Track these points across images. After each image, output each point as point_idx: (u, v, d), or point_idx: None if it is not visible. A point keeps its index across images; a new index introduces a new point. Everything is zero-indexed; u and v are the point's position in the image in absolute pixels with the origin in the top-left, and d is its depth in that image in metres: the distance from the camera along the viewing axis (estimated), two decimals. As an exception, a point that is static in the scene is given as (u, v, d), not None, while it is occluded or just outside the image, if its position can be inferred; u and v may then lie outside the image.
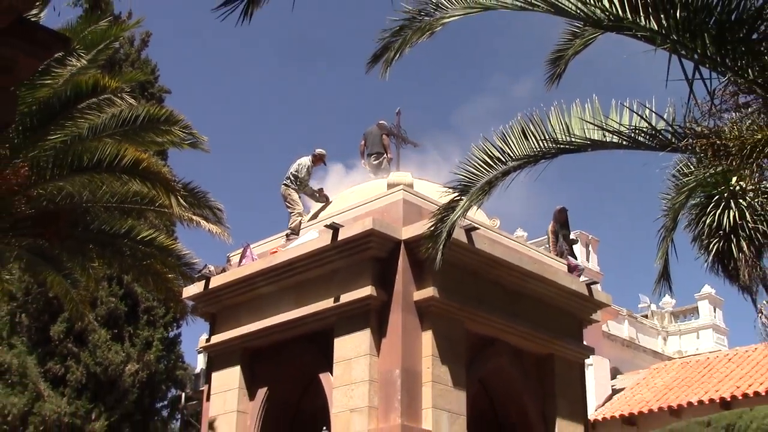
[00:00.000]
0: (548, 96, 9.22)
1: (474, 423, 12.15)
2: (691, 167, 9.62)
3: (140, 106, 13.52)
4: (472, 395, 12.19)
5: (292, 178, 14.05)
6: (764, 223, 9.47)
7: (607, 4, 6.97)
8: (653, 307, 30.05)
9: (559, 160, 8.87)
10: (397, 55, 8.61)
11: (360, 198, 13.35)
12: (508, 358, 12.95)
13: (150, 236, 14.20)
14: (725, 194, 9.58)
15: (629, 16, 6.91)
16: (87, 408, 23.68)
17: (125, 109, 12.86)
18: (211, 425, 13.30)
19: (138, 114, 12.86)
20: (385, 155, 15.03)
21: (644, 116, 7.98)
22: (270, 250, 13.67)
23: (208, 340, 14.04)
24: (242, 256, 14.08)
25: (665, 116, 7.83)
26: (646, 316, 29.74)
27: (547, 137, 8.62)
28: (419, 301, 11.73)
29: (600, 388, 24.42)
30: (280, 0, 6.64)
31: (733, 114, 7.16)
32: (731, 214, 9.53)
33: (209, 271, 14.06)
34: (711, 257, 9.99)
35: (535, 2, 7.33)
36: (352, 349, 11.74)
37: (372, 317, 11.72)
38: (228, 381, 13.33)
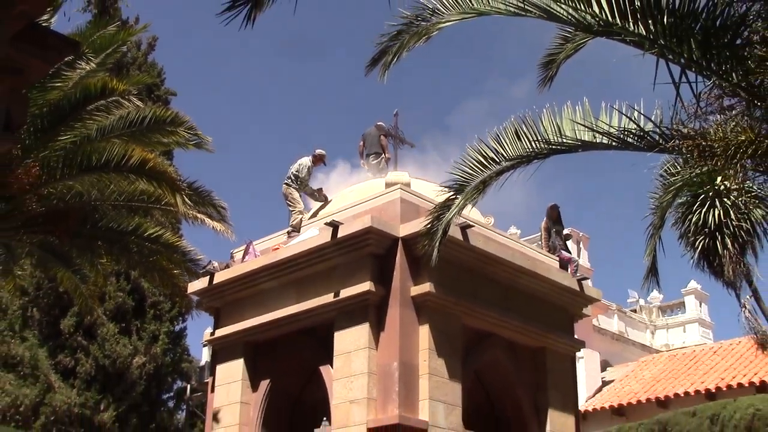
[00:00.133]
0: (545, 97, 9.22)
1: (470, 415, 12.16)
2: (678, 167, 9.64)
3: (147, 108, 13.50)
4: (468, 388, 12.20)
5: (293, 178, 14.05)
6: (748, 222, 9.50)
7: (597, 10, 6.97)
8: (642, 301, 30.09)
9: (552, 160, 8.89)
10: (395, 59, 8.61)
11: (359, 196, 13.36)
12: (503, 351, 12.96)
13: (156, 233, 14.19)
14: (710, 193, 9.62)
15: (618, 21, 6.91)
16: (96, 399, 23.70)
17: (132, 110, 12.86)
18: (215, 416, 13.31)
19: (145, 116, 12.85)
20: (383, 155, 15.04)
21: (633, 118, 7.99)
22: (272, 247, 13.68)
23: (212, 333, 14.05)
24: (245, 253, 14.09)
25: (653, 118, 7.84)
26: (634, 311, 29.77)
27: (539, 138, 8.63)
28: (416, 296, 11.74)
29: (590, 380, 24.45)
30: (281, 2, 6.65)
31: (718, 116, 7.17)
32: (716, 212, 9.56)
33: (213, 267, 14.07)
34: (697, 254, 10.02)
35: (528, 8, 7.33)
36: (351, 342, 11.75)
37: (371, 312, 11.73)
38: (232, 373, 13.34)
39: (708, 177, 9.46)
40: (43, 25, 7.43)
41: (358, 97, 64.22)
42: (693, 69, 6.82)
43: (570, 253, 15.67)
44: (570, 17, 7.26)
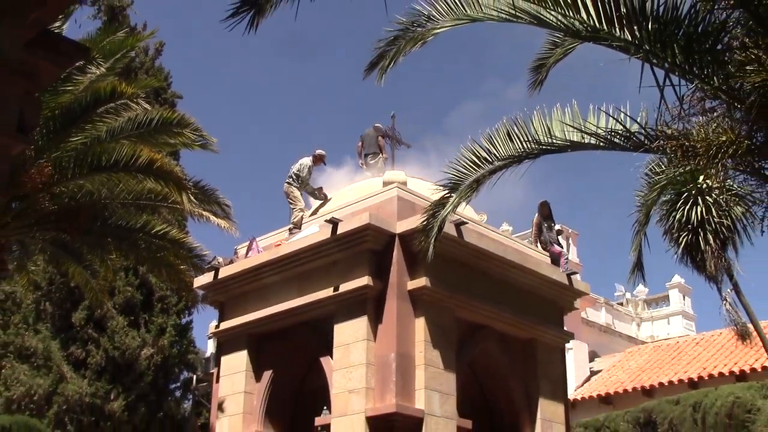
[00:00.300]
0: (538, 100, 9.24)
1: (464, 404, 12.18)
2: (662, 167, 9.66)
3: (154, 111, 13.50)
4: (462, 378, 12.21)
5: (294, 177, 14.04)
6: (728, 218, 9.52)
7: (585, 17, 6.98)
8: (628, 295, 30.14)
9: (545, 160, 8.90)
10: (392, 63, 8.61)
11: (357, 195, 13.35)
12: (495, 343, 12.97)
13: (163, 230, 14.20)
14: (693, 191, 9.64)
15: (605, 27, 6.92)
16: (106, 389, 23.69)
17: (140, 113, 12.85)
18: (220, 405, 13.32)
19: (152, 118, 12.85)
20: (380, 155, 15.03)
21: (619, 119, 8.01)
22: (274, 243, 13.68)
23: (217, 326, 14.05)
24: (249, 249, 14.09)
25: (639, 120, 7.86)
26: (621, 304, 29.81)
27: (530, 139, 8.64)
28: (412, 290, 11.75)
29: (579, 370, 24.50)
30: (282, 4, 6.64)
31: (700, 118, 7.19)
32: (699, 209, 9.58)
33: (218, 262, 14.06)
34: (680, 249, 10.04)
35: (519, 14, 7.34)
36: (350, 334, 11.76)
37: (369, 305, 11.73)
38: (236, 364, 13.34)
39: (691, 176, 9.48)
40: (56, 31, 7.43)
41: (358, 97, 64.19)
42: (676, 73, 6.84)
43: (561, 247, 15.61)
44: (559, 23, 7.28)
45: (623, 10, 6.78)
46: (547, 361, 13.48)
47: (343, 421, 11.36)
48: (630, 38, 6.82)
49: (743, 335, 11.23)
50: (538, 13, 7.24)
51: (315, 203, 14.56)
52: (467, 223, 12.47)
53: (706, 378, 20.26)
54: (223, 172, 54.11)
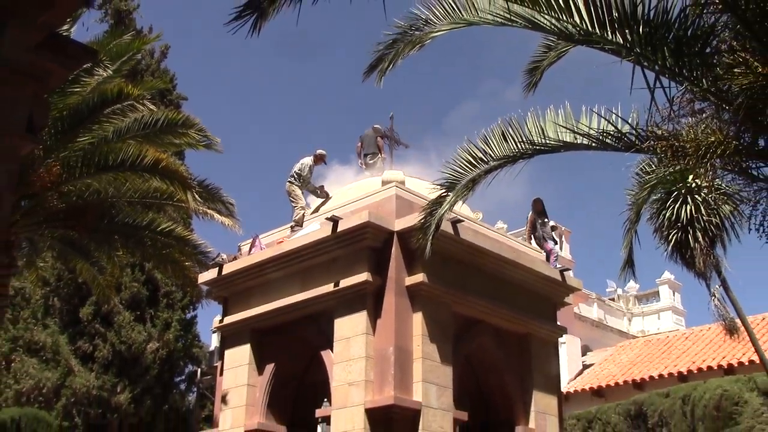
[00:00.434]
0: (536, 101, 9.24)
1: (460, 396, 12.19)
2: (653, 166, 9.66)
3: (160, 112, 13.48)
4: (459, 371, 12.22)
5: (296, 176, 14.04)
6: (717, 217, 9.53)
7: (577, 20, 6.97)
8: (619, 291, 30.16)
9: (538, 159, 8.90)
10: (391, 66, 8.61)
11: (357, 194, 13.36)
12: (490, 337, 12.98)
13: (169, 228, 14.18)
14: (683, 191, 9.65)
15: (597, 31, 6.92)
16: (113, 382, 23.71)
17: (146, 114, 12.84)
18: (224, 397, 13.32)
19: (158, 118, 12.84)
20: (379, 155, 15.03)
21: (611, 120, 8.00)
22: (276, 240, 13.68)
23: (221, 321, 14.05)
24: (252, 246, 14.09)
25: (630, 120, 7.85)
26: (612, 300, 29.84)
27: (524, 139, 8.64)
28: (410, 285, 11.75)
29: (572, 363, 24.51)
30: (285, 9, 6.64)
31: (690, 119, 7.18)
32: (688, 208, 9.59)
33: (222, 259, 14.06)
34: (670, 247, 10.05)
35: (514, 18, 7.34)
36: (350, 328, 11.76)
37: (368, 300, 11.74)
38: (239, 358, 13.35)
39: (680, 175, 9.49)
40: (64, 34, 7.42)
41: (358, 98, 64.19)
42: (666, 75, 6.84)
43: (556, 242, 15.52)
44: (553, 27, 7.27)
45: (615, 14, 6.78)
46: (541, 355, 13.50)
47: (343, 413, 11.37)
48: (621, 41, 6.82)
49: (731, 330, 11.24)
50: (532, 17, 7.24)
51: (316, 201, 14.56)
52: (463, 221, 12.48)
53: (695, 371, 20.28)
54: (226, 171, 54.11)
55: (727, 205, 9.60)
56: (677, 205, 9.69)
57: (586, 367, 24.90)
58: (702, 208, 9.57)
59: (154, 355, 24.25)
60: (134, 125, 12.63)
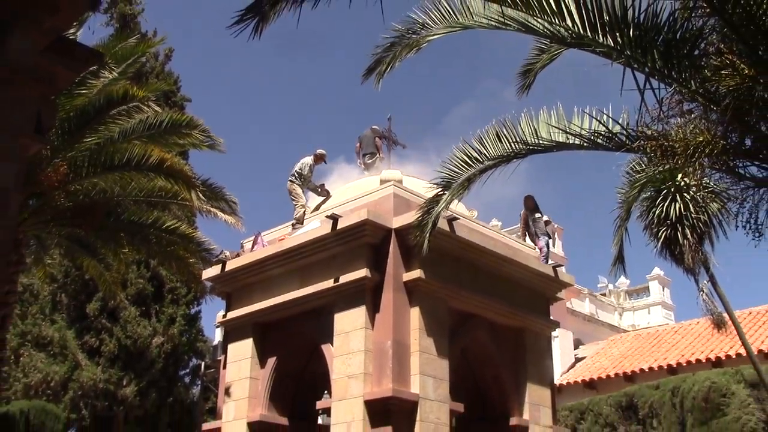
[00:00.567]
0: (531, 101, 9.25)
1: (457, 389, 12.20)
2: (643, 165, 9.67)
3: (164, 113, 13.49)
4: (455, 364, 12.23)
5: (297, 175, 14.02)
6: (705, 214, 9.54)
7: (569, 24, 6.98)
8: (610, 286, 30.19)
9: (535, 158, 8.91)
10: (389, 68, 8.61)
11: (356, 192, 13.35)
12: (485, 331, 12.98)
13: (173, 226, 14.21)
14: (672, 189, 9.66)
15: (589, 34, 6.92)
16: (119, 375, 23.74)
17: (151, 115, 12.85)
18: (227, 390, 13.33)
19: (162, 119, 12.85)
20: (377, 155, 15.02)
21: (602, 121, 8.01)
22: (278, 238, 13.68)
23: (224, 315, 14.05)
24: (254, 243, 14.09)
25: (620, 121, 7.86)
26: (604, 295, 29.86)
27: (518, 140, 8.64)
28: (408, 281, 11.75)
29: (565, 357, 24.54)
30: (286, 13, 6.64)
31: (679, 119, 7.19)
32: (677, 206, 9.60)
33: (225, 255, 14.06)
34: (660, 243, 10.06)
35: (508, 22, 7.35)
36: (349, 323, 11.77)
37: (367, 295, 11.74)
38: (242, 351, 13.35)
39: (670, 174, 9.50)
40: (71, 38, 7.41)
41: (358, 98, 64.15)
42: (656, 77, 6.85)
43: (550, 236, 15.35)
44: (545, 30, 7.28)
45: (606, 17, 6.78)
46: (535, 349, 13.51)
47: (342, 405, 11.38)
48: (612, 44, 6.83)
49: (719, 324, 11.26)
50: (525, 20, 7.24)
51: (316, 200, 14.55)
52: (459, 218, 12.48)
53: (684, 364, 20.31)
54: (229, 171, 54.08)
55: (714, 203, 9.61)
56: (666, 203, 9.70)
57: (578, 360, 24.94)
58: (690, 205, 9.58)
59: (159, 349, 24.28)
60: (139, 126, 12.64)
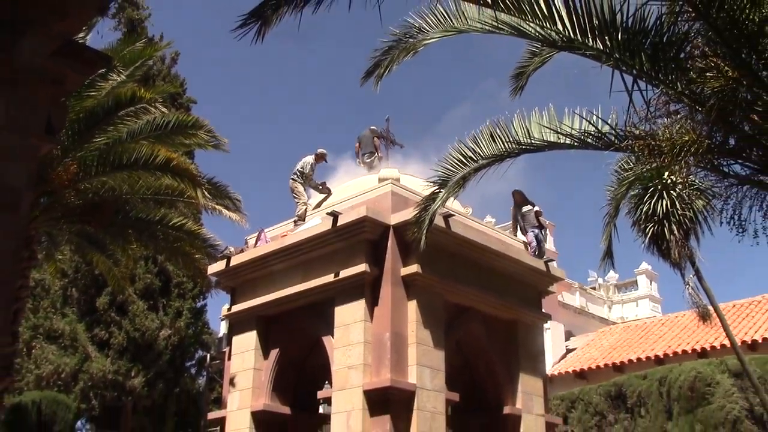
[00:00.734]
0: (526, 102, 9.23)
1: (453, 380, 12.21)
2: (631, 164, 9.69)
3: (171, 114, 13.46)
4: (450, 356, 12.24)
5: (299, 174, 14.02)
6: (691, 211, 9.57)
7: (560, 28, 6.97)
8: (600, 280, 30.22)
9: (524, 157, 8.90)
10: (386, 71, 8.60)
11: (355, 190, 13.36)
12: (480, 323, 13.00)
13: (180, 223, 14.18)
14: (659, 186, 9.68)
15: (579, 38, 6.92)
16: (127, 367, 23.73)
17: (158, 116, 12.82)
18: (231, 381, 13.34)
19: (169, 120, 12.82)
20: (376, 155, 15.02)
21: (592, 121, 8.01)
22: (281, 234, 13.68)
23: (229, 309, 14.06)
24: (257, 239, 14.09)
25: (609, 121, 7.86)
26: (594, 288, 29.89)
27: (511, 140, 8.63)
28: (405, 276, 11.76)
29: (556, 348, 24.57)
30: (287, 17, 6.63)
31: (665, 119, 7.20)
32: (664, 203, 9.63)
33: (230, 251, 14.05)
34: (647, 239, 10.08)
35: (501, 26, 7.34)
36: (349, 316, 11.78)
37: (366, 289, 11.75)
38: (246, 343, 13.36)
39: (657, 172, 9.52)
40: (80, 41, 7.40)
41: (359, 98, 64.05)
42: (644, 79, 6.85)
43: (543, 227, 15.12)
44: (537, 34, 7.27)
45: (596, 21, 6.78)
46: (527, 340, 13.53)
47: (342, 395, 11.39)
48: (602, 47, 6.83)
49: (704, 316, 11.28)
50: (518, 25, 7.24)
51: (316, 197, 14.54)
52: (454, 215, 12.48)
53: (671, 355, 20.35)
54: (233, 169, 54.03)
55: (700, 200, 9.64)
56: (654, 200, 9.73)
57: (569, 351, 24.97)
58: (677, 202, 9.61)
59: (167, 341, 24.27)
60: (147, 127, 12.61)
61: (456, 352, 12.93)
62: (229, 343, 13.92)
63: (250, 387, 12.96)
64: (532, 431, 12.86)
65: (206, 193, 13.24)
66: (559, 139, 8.22)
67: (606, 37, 6.78)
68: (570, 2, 6.77)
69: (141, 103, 12.54)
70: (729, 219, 7.60)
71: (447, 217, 12.08)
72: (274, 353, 13.18)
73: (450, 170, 9.34)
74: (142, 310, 24.20)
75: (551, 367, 22.54)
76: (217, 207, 14.38)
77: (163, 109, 13.39)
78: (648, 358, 20.86)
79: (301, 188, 13.92)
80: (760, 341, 19.05)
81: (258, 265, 13.43)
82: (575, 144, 8.14)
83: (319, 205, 14.06)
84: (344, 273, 11.95)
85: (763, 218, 7.44)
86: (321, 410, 14.76)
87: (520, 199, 14.72)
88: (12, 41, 4.66)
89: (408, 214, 11.21)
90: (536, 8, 6.87)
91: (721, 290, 55.50)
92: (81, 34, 10.92)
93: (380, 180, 12.92)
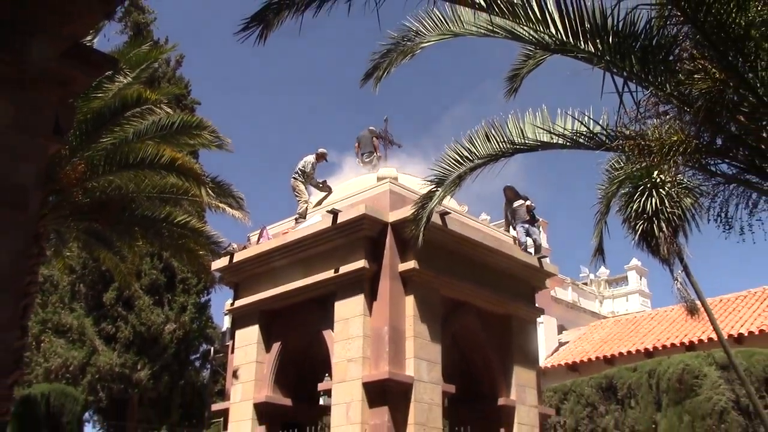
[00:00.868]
0: (521, 103, 9.24)
1: (448, 371, 12.22)
2: (621, 163, 9.69)
3: (176, 115, 13.45)
4: (447, 349, 12.24)
5: (300, 173, 14.01)
6: (679, 208, 9.57)
7: (553, 31, 6.98)
8: (591, 276, 30.25)
9: (518, 157, 8.91)
10: (385, 74, 8.61)
11: (355, 189, 13.35)
12: (475, 317, 13.00)
13: (184, 220, 14.19)
14: (648, 185, 9.69)
15: (571, 41, 6.92)
16: (134, 360, 23.75)
17: (163, 117, 12.81)
18: (235, 373, 13.34)
19: (174, 121, 12.81)
20: (375, 154, 15.00)
21: (583, 122, 8.01)
22: (282, 231, 13.67)
23: (232, 304, 14.05)
24: (260, 236, 14.08)
25: (600, 122, 7.87)
26: (585, 284, 29.92)
27: (505, 140, 8.64)
28: (403, 271, 11.76)
29: (549, 341, 24.60)
30: (288, 20, 6.63)
31: (655, 120, 7.21)
32: (653, 201, 9.63)
33: (233, 248, 14.04)
34: (637, 236, 10.09)
35: (496, 30, 7.34)
36: (349, 310, 11.78)
37: (365, 285, 11.75)
38: (249, 337, 13.36)
39: (646, 171, 9.52)
40: (87, 44, 7.38)
41: (359, 98, 63.99)
42: (634, 80, 6.86)
43: (536, 219, 14.95)
44: (531, 37, 7.27)
45: (587, 25, 6.79)
46: (521, 334, 13.53)
47: (342, 387, 11.40)
48: (593, 50, 6.83)
49: (692, 311, 11.29)
50: (512, 28, 7.24)
51: (318, 195, 14.53)
52: (451, 213, 12.48)
53: (660, 348, 20.38)
54: (237, 168, 53.98)
55: (688, 198, 9.65)
56: (643, 198, 9.73)
57: (561, 344, 25.00)
58: (666, 200, 9.61)
59: (172, 335, 24.29)
60: (152, 127, 12.61)
61: (452, 345, 12.93)
62: (233, 337, 13.92)
63: (253, 379, 12.96)
64: (526, 422, 12.88)
65: (210, 191, 13.24)
66: (552, 139, 8.23)
67: (597, 41, 6.79)
68: (562, 6, 6.77)
69: (147, 104, 12.54)
70: (716, 216, 7.61)
71: (443, 214, 12.08)
72: (276, 347, 13.18)
73: (446, 169, 9.35)
74: (148, 305, 24.21)
75: (544, 359, 22.56)
76: (220, 205, 14.38)
77: (168, 110, 13.39)
78: (638, 351, 20.89)
79: (302, 187, 13.91)
80: (746, 335, 19.08)
81: (260, 261, 13.43)
82: (568, 144, 8.15)
83: (319, 203, 14.05)
84: (344, 269, 11.95)
85: (749, 216, 7.46)
86: (321, 402, 14.76)
87: (511, 195, 14.60)
88: (21, 44, 4.66)
89: (406, 211, 11.21)
90: (530, 12, 6.87)
91: (708, 285, 55.57)
92: (88, 37, 10.89)
93: (379, 179, 12.92)
